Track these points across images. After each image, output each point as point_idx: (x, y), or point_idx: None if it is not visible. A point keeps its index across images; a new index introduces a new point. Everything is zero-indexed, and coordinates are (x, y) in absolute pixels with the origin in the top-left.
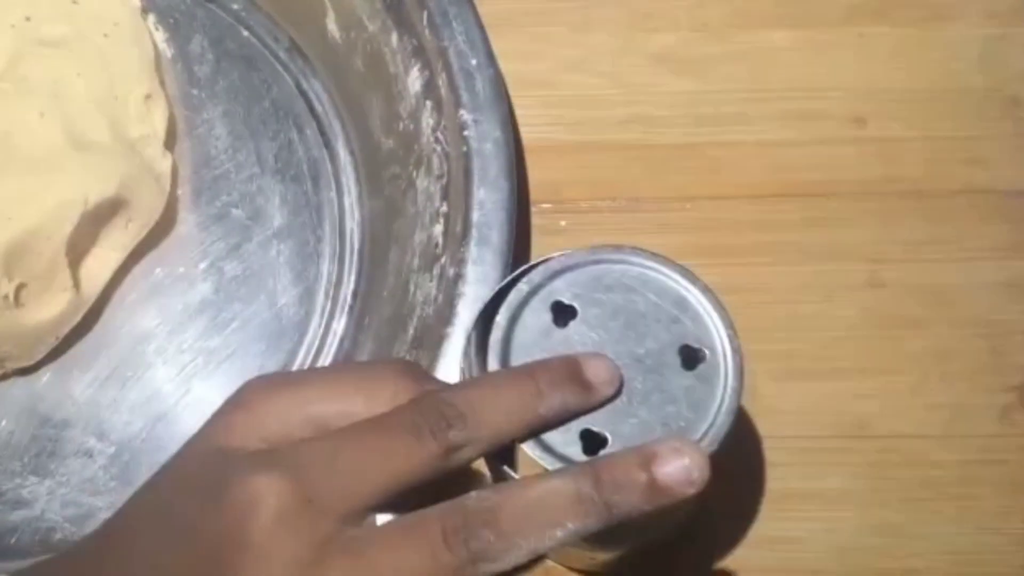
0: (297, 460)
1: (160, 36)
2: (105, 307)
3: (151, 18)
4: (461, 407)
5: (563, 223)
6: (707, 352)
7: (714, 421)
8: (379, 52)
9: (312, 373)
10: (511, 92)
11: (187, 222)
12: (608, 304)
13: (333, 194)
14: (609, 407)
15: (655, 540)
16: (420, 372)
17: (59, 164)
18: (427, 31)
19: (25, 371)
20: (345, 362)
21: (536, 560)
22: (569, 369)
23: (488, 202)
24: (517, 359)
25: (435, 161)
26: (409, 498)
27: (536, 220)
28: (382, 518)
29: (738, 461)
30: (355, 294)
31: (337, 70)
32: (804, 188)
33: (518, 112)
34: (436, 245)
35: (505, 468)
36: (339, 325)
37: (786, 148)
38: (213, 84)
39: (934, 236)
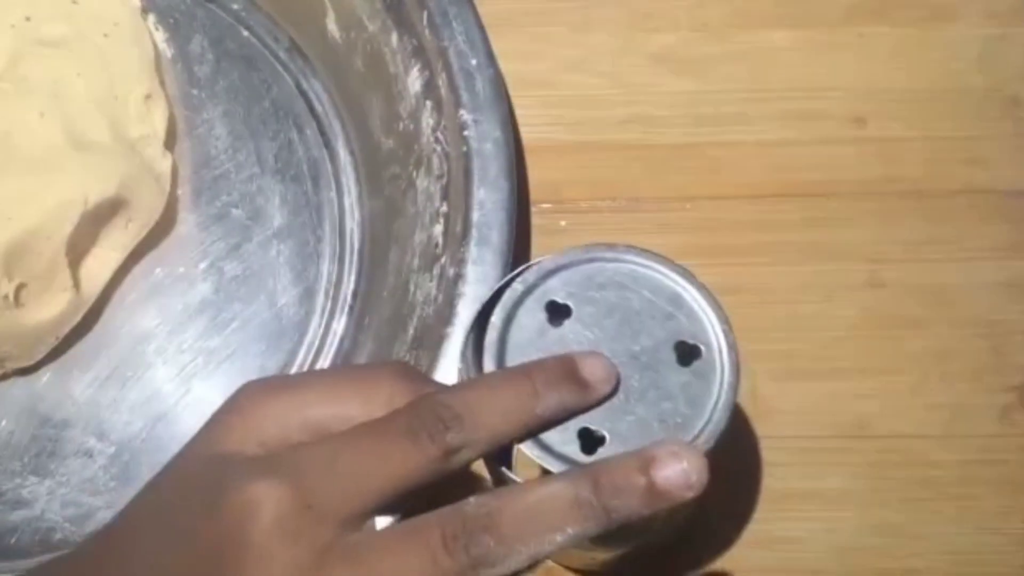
0: (295, 465)
1: (160, 36)
2: (105, 307)
3: (151, 18)
4: (458, 409)
5: (563, 223)
6: (703, 348)
7: (711, 417)
8: (379, 52)
9: (309, 376)
10: (511, 92)
11: (187, 222)
12: (602, 302)
13: (333, 194)
14: (606, 405)
15: (655, 541)
16: (417, 374)
17: (59, 164)
18: (427, 31)
19: (25, 371)
20: (342, 365)
21: (535, 564)
22: (565, 368)
23: (488, 202)
24: (513, 359)
25: (435, 161)
26: (408, 501)
27: (536, 220)
28: (381, 522)
29: (738, 461)
30: (355, 294)
31: (337, 70)
32: (804, 188)
33: (518, 112)
34: (436, 245)
35: (504, 469)
36: (339, 325)
37: (786, 148)
38: (213, 84)
39: (934, 236)
